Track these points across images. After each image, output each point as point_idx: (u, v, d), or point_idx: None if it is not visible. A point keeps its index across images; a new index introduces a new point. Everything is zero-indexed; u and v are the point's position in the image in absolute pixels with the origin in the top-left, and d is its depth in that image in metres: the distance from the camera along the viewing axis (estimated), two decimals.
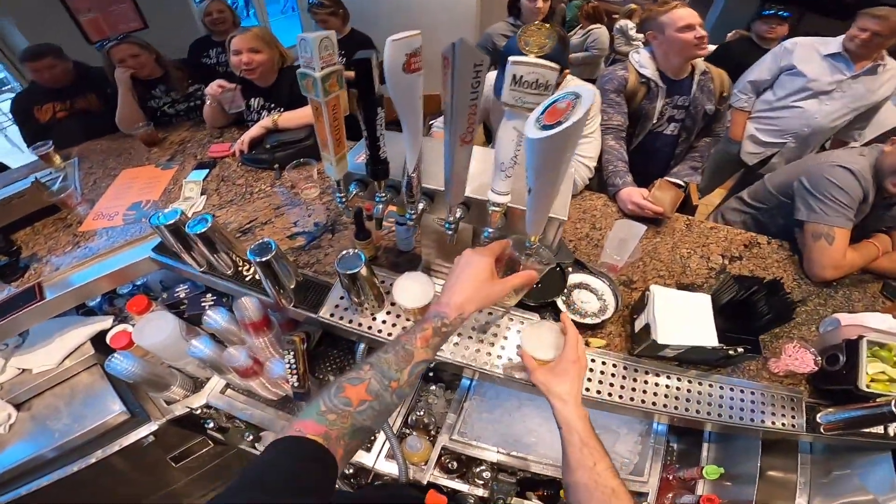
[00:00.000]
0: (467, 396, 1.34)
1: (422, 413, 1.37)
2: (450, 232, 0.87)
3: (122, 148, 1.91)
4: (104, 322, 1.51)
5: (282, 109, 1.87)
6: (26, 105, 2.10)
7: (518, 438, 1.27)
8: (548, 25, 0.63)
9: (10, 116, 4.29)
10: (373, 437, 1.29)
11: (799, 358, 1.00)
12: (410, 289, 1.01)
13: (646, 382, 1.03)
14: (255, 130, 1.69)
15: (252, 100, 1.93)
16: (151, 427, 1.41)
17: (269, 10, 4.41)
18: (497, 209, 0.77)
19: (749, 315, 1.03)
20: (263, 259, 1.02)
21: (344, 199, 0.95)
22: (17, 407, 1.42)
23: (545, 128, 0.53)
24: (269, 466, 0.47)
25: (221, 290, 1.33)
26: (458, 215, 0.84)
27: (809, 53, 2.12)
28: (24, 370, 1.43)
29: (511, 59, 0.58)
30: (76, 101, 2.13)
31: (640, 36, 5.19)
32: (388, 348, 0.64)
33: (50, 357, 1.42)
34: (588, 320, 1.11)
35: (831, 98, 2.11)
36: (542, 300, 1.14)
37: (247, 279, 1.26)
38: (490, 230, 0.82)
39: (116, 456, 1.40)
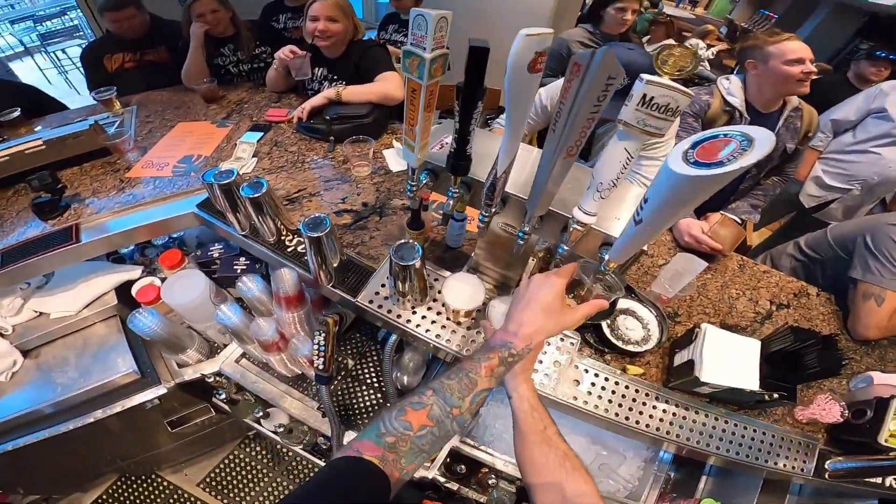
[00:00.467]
0: (485, 401, 1.27)
1: None
2: (521, 242, 0.81)
3: (181, 101, 1.89)
4: (133, 272, 1.45)
5: (344, 83, 1.80)
6: (98, 53, 2.12)
7: None
8: (689, 47, 0.53)
9: (76, 62, 4.53)
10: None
11: (827, 409, 1.01)
12: (461, 290, 0.98)
13: (674, 415, 1.01)
14: (317, 100, 1.62)
15: (316, 69, 1.88)
16: (159, 391, 1.34)
17: None
18: (580, 229, 0.71)
19: (795, 364, 1.02)
20: (315, 234, 0.96)
21: (414, 188, 0.88)
22: (25, 354, 1.36)
23: (699, 165, 0.46)
24: (325, 485, 0.49)
25: (258, 256, 1.26)
26: (533, 226, 0.78)
27: None
28: (40, 314, 1.37)
29: (646, 77, 0.52)
30: (146, 53, 2.14)
31: (710, 56, 5.01)
32: (452, 374, 0.63)
33: (71, 303, 1.36)
34: (630, 347, 1.08)
35: None
36: (587, 321, 1.05)
37: (288, 250, 1.19)
38: (565, 247, 0.76)
39: (113, 417, 1.33)
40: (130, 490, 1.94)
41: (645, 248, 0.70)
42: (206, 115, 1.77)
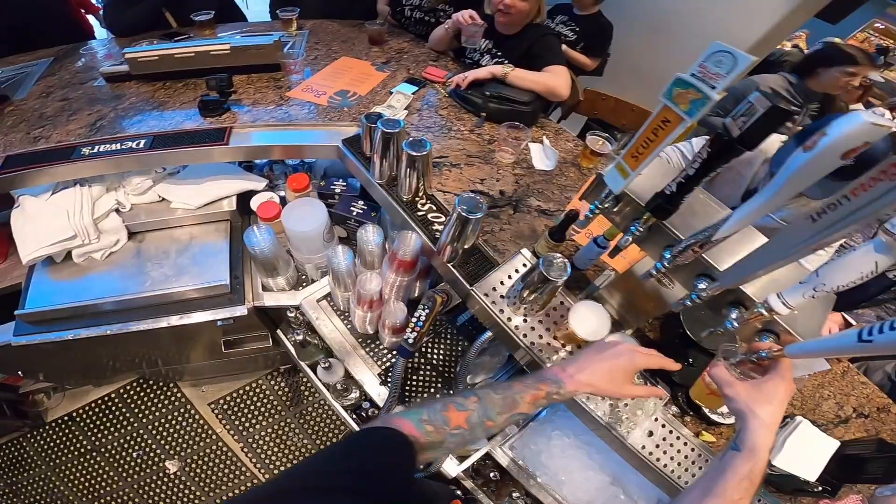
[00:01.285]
0: (536, 418, 1.29)
1: None
2: (688, 304, 0.73)
3: (348, 36, 1.91)
4: (258, 184, 1.49)
5: (506, 61, 1.69)
6: None
7: (554, 474, 1.23)
8: None
9: None
10: None
11: None
12: (588, 318, 0.92)
13: None
14: (482, 73, 1.53)
15: (483, 41, 1.79)
16: (240, 311, 1.35)
17: None
18: (764, 315, 0.63)
19: (856, 467, 0.96)
20: (470, 217, 0.90)
21: (598, 209, 0.81)
22: (131, 236, 1.41)
23: None
24: (368, 443, 0.54)
25: (385, 207, 1.22)
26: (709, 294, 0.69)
27: None
28: (163, 199, 1.43)
29: None
30: None
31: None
32: (500, 390, 0.66)
33: (193, 197, 1.41)
34: (714, 416, 1.02)
35: None
36: (680, 381, 1.04)
37: (419, 213, 1.13)
38: (734, 325, 0.68)
39: (181, 326, 1.34)
40: (142, 393, 2.03)
41: None
42: (367, 56, 1.77)
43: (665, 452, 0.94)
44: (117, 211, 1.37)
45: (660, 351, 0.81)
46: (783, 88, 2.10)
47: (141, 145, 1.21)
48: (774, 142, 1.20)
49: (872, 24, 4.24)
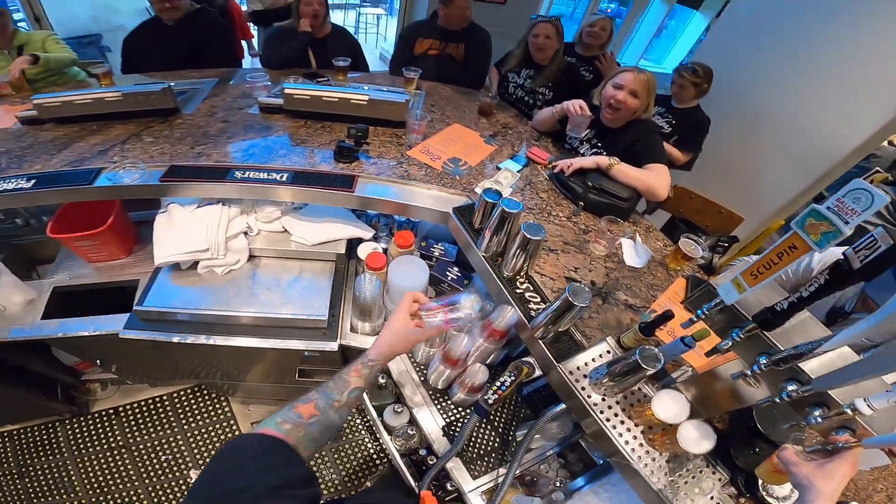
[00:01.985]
0: (580, 490, 1.28)
1: (541, 468, 1.32)
2: (777, 400, 0.79)
3: (459, 103, 2.09)
4: (367, 232, 1.63)
5: (606, 153, 1.79)
6: (413, 34, 2.48)
7: None
8: None
9: (371, 27, 5.44)
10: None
11: None
12: (669, 406, 0.99)
13: None
14: (587, 162, 1.63)
15: (587, 130, 1.90)
16: (331, 346, 1.44)
17: None
18: (848, 415, 0.69)
19: None
20: (575, 303, 0.97)
21: (705, 315, 0.88)
22: (251, 258, 1.56)
23: None
24: (236, 450, 0.58)
25: (483, 279, 1.30)
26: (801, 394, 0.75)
27: None
28: (285, 231, 1.59)
29: None
30: (448, 46, 2.42)
31: None
32: (329, 380, 0.80)
33: (311, 235, 1.55)
34: (770, 501, 1.02)
35: None
36: (767, 480, 1.03)
37: (517, 291, 1.20)
38: (819, 419, 0.74)
39: (274, 351, 1.43)
40: (192, 400, 2.11)
41: None
42: (476, 126, 1.92)
43: None
44: (245, 233, 1.54)
45: (727, 440, 1.00)
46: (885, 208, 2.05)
47: (283, 178, 1.38)
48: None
49: None
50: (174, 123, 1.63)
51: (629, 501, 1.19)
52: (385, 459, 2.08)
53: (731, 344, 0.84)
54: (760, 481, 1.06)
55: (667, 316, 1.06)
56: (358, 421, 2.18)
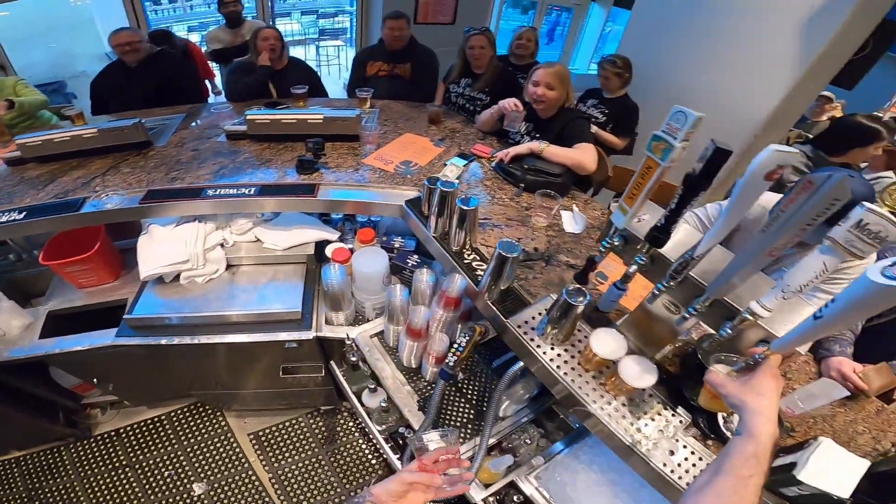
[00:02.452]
0: (560, 452, 1.38)
1: (518, 441, 1.39)
2: (684, 317, 0.92)
3: (411, 115, 2.31)
4: (333, 235, 1.80)
5: (544, 141, 2.00)
6: (365, 58, 2.72)
7: None
8: None
9: (333, 59, 5.74)
10: (461, 440, 1.37)
11: None
12: (607, 342, 1.07)
13: None
14: (522, 149, 1.84)
15: (523, 124, 2.12)
16: (307, 335, 1.60)
17: None
18: (751, 319, 0.79)
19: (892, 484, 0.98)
20: (507, 255, 1.11)
21: (608, 245, 1.03)
22: (228, 266, 1.72)
23: (892, 278, 0.53)
24: None
25: (438, 258, 1.47)
26: (701, 309, 0.88)
27: None
28: (258, 240, 1.76)
29: (867, 205, 0.60)
30: (397, 67, 2.66)
31: None
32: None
33: (282, 240, 1.73)
34: None
35: None
36: (708, 408, 1.11)
37: (464, 261, 1.37)
38: (727, 332, 0.86)
39: (255, 345, 1.59)
40: (190, 418, 2.21)
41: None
42: (426, 133, 2.14)
43: (687, 472, 1.02)
44: (222, 245, 1.70)
45: (680, 383, 1.08)
46: (802, 163, 2.28)
47: (252, 192, 1.55)
48: (773, 199, 1.38)
49: None
50: (148, 155, 1.80)
51: (607, 462, 1.25)
52: (380, 457, 2.19)
53: (636, 268, 0.99)
54: (721, 419, 1.10)
55: (590, 260, 1.23)
56: (351, 424, 2.29)
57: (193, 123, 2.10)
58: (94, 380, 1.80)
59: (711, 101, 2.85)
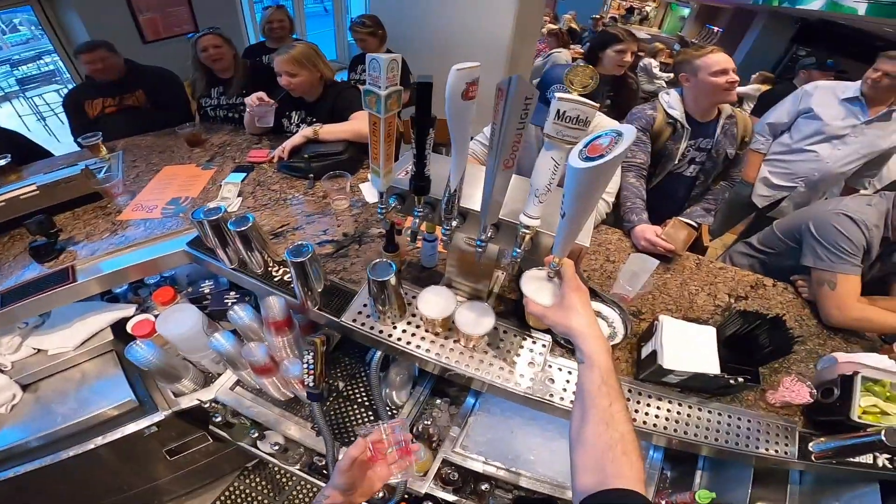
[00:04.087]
0: (472, 412, 1.41)
1: (429, 422, 1.41)
2: (479, 250, 0.92)
3: (165, 145, 2.00)
4: (127, 310, 1.54)
5: (322, 123, 1.94)
6: (79, 99, 2.22)
7: (518, 455, 1.31)
8: (591, 67, 0.68)
9: (54, 108, 4.57)
10: None
11: (795, 390, 1.06)
12: (434, 302, 1.07)
13: (648, 405, 1.08)
14: (296, 139, 1.76)
15: (293, 112, 2.01)
16: (157, 417, 1.41)
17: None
18: (527, 231, 0.82)
19: (751, 348, 1.09)
20: (299, 260, 1.06)
21: (384, 211, 1.03)
22: (25, 388, 1.42)
23: (588, 159, 0.58)
24: None
25: (248, 287, 1.36)
26: (489, 235, 0.89)
27: (827, 97, 2.15)
28: (39, 350, 1.45)
29: (557, 95, 0.63)
30: (125, 98, 2.24)
31: (664, 75, 5.33)
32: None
33: (68, 339, 1.44)
34: None
35: (844, 143, 2.13)
36: (542, 329, 1.18)
37: (275, 279, 1.29)
38: (518, 251, 0.86)
39: (113, 445, 1.39)
40: None
41: (587, 243, 0.85)
42: (190, 158, 1.89)
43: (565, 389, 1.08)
44: (1, 371, 1.37)
45: (521, 310, 1.09)
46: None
47: None
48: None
49: None
50: None
51: (518, 405, 1.21)
52: None
53: (419, 221, 0.99)
54: None
55: (391, 226, 1.26)
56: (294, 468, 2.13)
57: None
58: None
59: (461, 41, 3.07)
